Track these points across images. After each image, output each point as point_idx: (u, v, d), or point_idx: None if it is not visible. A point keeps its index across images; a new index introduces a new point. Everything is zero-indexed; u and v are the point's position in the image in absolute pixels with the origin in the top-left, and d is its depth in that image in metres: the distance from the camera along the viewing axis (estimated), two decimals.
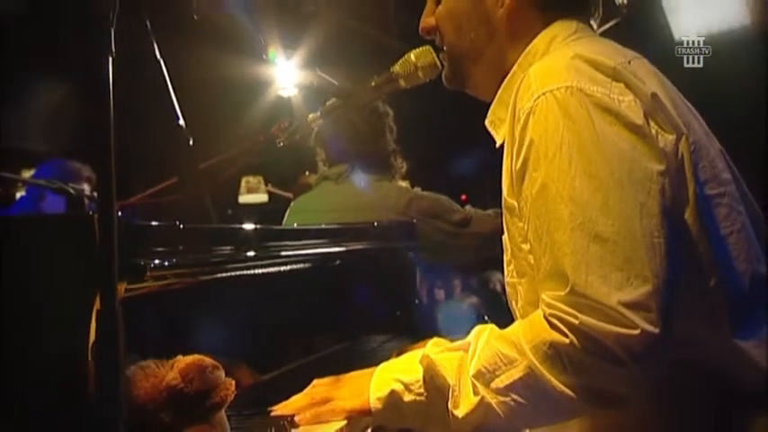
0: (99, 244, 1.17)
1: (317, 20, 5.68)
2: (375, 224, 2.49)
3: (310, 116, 1.99)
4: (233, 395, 1.36)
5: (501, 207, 1.57)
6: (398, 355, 1.85)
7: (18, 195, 3.45)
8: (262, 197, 5.87)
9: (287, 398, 1.66)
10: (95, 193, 2.52)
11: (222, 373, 1.36)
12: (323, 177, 3.15)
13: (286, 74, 5.40)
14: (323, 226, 2.33)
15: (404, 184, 3.27)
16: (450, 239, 3.01)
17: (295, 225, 2.90)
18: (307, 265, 2.08)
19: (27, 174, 3.40)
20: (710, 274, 1.41)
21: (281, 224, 3.14)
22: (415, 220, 2.78)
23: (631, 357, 1.26)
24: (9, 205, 3.20)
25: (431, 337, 1.63)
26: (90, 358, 1.20)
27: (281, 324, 1.98)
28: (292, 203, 3.30)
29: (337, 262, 2.27)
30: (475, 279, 5.36)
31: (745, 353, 1.41)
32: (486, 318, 2.91)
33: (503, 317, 1.66)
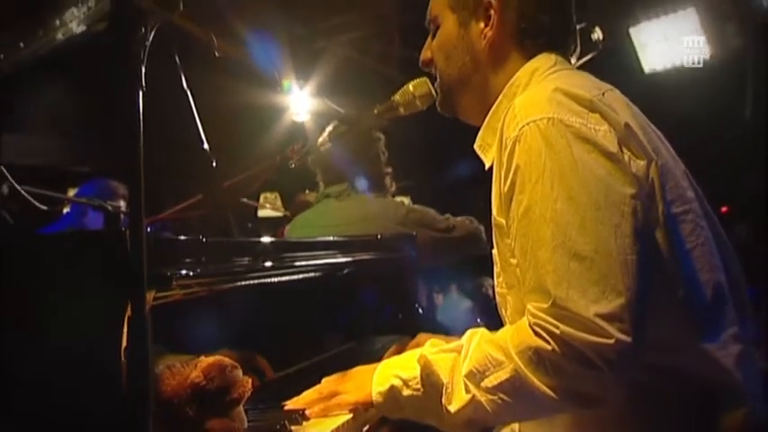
0: (130, 257, 1.17)
1: (327, 54, 5.72)
2: (378, 236, 2.48)
3: (319, 140, 1.99)
4: (250, 392, 1.35)
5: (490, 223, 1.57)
6: (396, 351, 1.85)
7: (64, 211, 3.45)
8: (279, 212, 5.85)
9: (300, 393, 1.66)
10: (123, 209, 2.54)
11: (240, 372, 1.36)
12: (324, 195, 3.15)
13: (299, 101, 5.43)
14: (332, 238, 2.32)
15: (405, 199, 3.28)
16: (438, 245, 3.03)
17: (304, 238, 2.89)
18: (317, 273, 2.07)
19: (72, 192, 3.40)
20: (678, 286, 1.40)
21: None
22: (414, 232, 2.78)
23: (606, 363, 1.26)
24: (57, 221, 3.19)
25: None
26: (123, 359, 1.19)
27: (294, 326, 1.97)
28: (294, 219, 3.29)
29: (345, 271, 2.26)
30: (469, 284, 5.34)
31: (711, 356, 1.40)
32: (478, 320, 2.90)
33: (494, 319, 1.65)
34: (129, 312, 1.18)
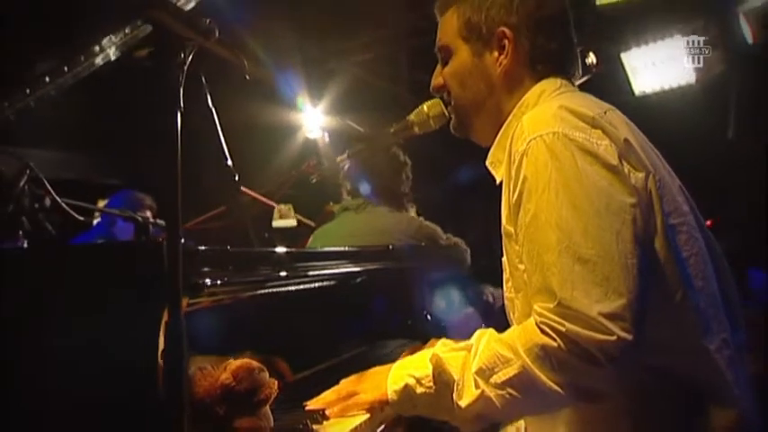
0: (167, 266, 1.18)
1: (338, 75, 5.73)
2: (390, 247, 2.49)
3: (339, 157, 1.99)
4: (276, 393, 1.35)
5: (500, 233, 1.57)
6: (410, 353, 1.85)
7: (95, 222, 3.45)
8: (291, 222, 5.84)
9: (318, 394, 1.65)
10: (157, 220, 2.55)
11: (267, 374, 1.36)
12: (343, 208, 3.17)
13: (313, 119, 5.43)
14: (347, 248, 2.32)
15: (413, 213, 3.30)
16: (445, 255, 3.05)
17: (322, 248, 2.89)
18: (333, 282, 2.07)
19: (101, 203, 3.41)
20: (676, 291, 1.41)
21: (303, 245, 3.15)
22: (423, 243, 2.79)
23: (608, 359, 1.26)
24: (87, 231, 3.20)
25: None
26: (160, 361, 1.19)
27: (311, 331, 1.97)
28: (317, 230, 3.31)
29: (359, 279, 2.26)
30: (471, 291, 5.32)
31: (705, 358, 1.41)
32: (482, 325, 2.89)
33: (494, 324, 1.65)
34: (165, 318, 1.18)
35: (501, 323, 1.61)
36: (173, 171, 1.20)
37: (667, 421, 1.41)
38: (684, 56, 4.92)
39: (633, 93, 5.13)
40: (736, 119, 6.28)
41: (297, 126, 5.45)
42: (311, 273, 1.97)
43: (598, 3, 4.87)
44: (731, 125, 6.29)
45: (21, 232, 1.92)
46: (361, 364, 2.08)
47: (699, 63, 4.91)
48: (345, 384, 1.62)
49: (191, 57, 1.22)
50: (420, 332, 2.44)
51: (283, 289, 1.81)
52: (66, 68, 1.79)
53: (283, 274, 1.78)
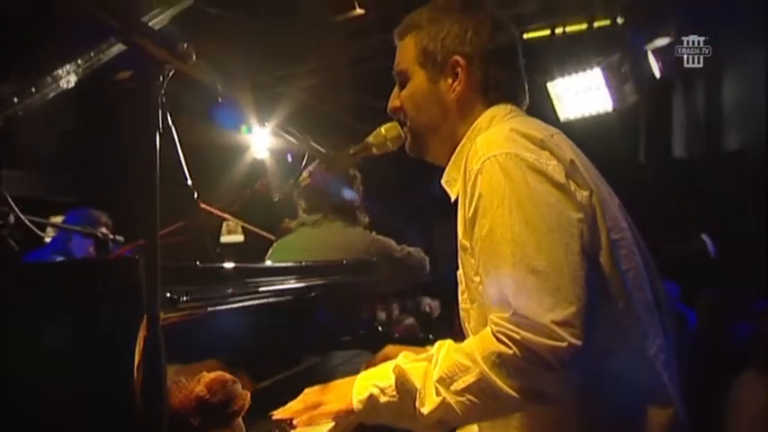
0: (146, 282, 1.14)
1: (285, 99, 5.70)
2: (344, 261, 2.47)
3: (303, 175, 1.97)
4: (248, 404, 1.32)
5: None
6: (367, 367, 1.83)
7: (47, 239, 3.30)
8: (239, 237, 5.73)
9: (280, 402, 1.62)
10: (112, 236, 2.47)
11: (240, 386, 1.32)
12: (301, 223, 3.14)
13: (260, 140, 5.36)
14: (304, 263, 2.29)
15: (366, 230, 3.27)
16: (398, 268, 3.04)
17: (282, 262, 2.85)
18: (291, 296, 2.04)
19: (56, 219, 3.27)
20: (618, 301, 1.44)
21: (259, 259, 3.10)
22: (374, 258, 2.78)
23: (560, 364, 1.28)
24: (42, 247, 3.06)
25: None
26: (136, 375, 1.15)
27: (271, 343, 1.93)
28: (275, 243, 3.26)
29: (315, 293, 2.23)
30: (410, 303, 5.35)
31: (644, 362, 1.44)
32: (421, 333, 2.90)
33: (433, 332, 1.66)
34: (143, 332, 1.14)
35: (439, 332, 1.61)
36: (151, 190, 1.16)
37: (611, 421, 1.44)
38: (602, 86, 5.10)
39: (558, 119, 5.29)
40: (646, 143, 6.55)
41: (245, 146, 5.37)
42: (271, 287, 1.93)
43: (525, 36, 5.02)
44: (642, 148, 6.55)
45: None
46: (317, 373, 2.06)
47: (615, 93, 5.11)
48: (311, 394, 1.59)
49: (167, 80, 1.19)
50: (372, 342, 2.43)
51: (245, 303, 1.76)
52: (33, 90, 1.72)
53: (248, 288, 1.74)
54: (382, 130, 1.82)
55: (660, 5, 5.14)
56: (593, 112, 5.36)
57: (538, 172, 1.39)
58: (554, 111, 5.29)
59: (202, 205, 2.41)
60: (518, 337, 1.29)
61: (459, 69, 1.63)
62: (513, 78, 1.68)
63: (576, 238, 1.34)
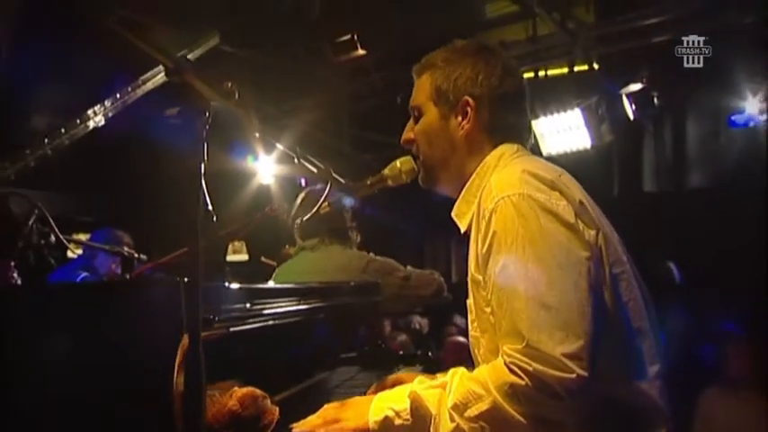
0: (188, 302, 1.12)
1: (289, 130, 5.72)
2: (351, 283, 2.45)
3: (324, 205, 1.96)
4: (277, 418, 1.29)
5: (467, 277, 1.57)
6: (378, 387, 1.81)
7: (70, 255, 3.26)
8: (244, 257, 5.71)
9: (294, 414, 1.59)
10: (137, 255, 2.44)
11: (269, 401, 1.30)
12: (300, 248, 3.10)
13: (266, 167, 5.37)
14: (314, 285, 2.27)
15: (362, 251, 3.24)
16: (397, 291, 3.00)
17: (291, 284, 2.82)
18: (301, 316, 2.01)
19: (83, 237, 3.23)
20: (620, 332, 1.43)
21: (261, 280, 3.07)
22: (373, 277, 2.75)
23: (569, 394, 1.27)
24: (67, 263, 3.02)
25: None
26: (176, 388, 1.13)
27: (283, 359, 1.91)
28: (278, 269, 3.22)
29: (324, 313, 2.21)
30: (401, 321, 5.32)
31: (642, 388, 1.43)
32: (417, 351, 2.87)
33: (423, 348, 1.64)
34: (183, 349, 1.12)
35: (428, 347, 1.59)
36: (195, 216, 1.15)
37: None
38: (581, 126, 5.16)
39: (542, 154, 5.33)
40: (619, 178, 6.62)
41: (253, 173, 5.38)
42: (284, 308, 1.91)
43: None
44: (615, 183, 6.63)
45: (12, 264, 1.82)
46: (323, 388, 2.04)
47: (593, 132, 5.17)
48: (329, 410, 1.56)
49: (211, 115, 1.19)
50: (375, 358, 2.41)
51: (264, 323, 1.74)
52: (63, 131, 1.74)
53: (263, 308, 1.72)
54: (397, 163, 1.82)
55: (633, 56, 5.24)
56: (573, 149, 5.41)
57: (549, 212, 1.39)
58: (538, 146, 5.34)
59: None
60: (530, 368, 1.28)
61: (469, 109, 1.63)
62: (519, 120, 1.69)
63: (584, 275, 1.34)
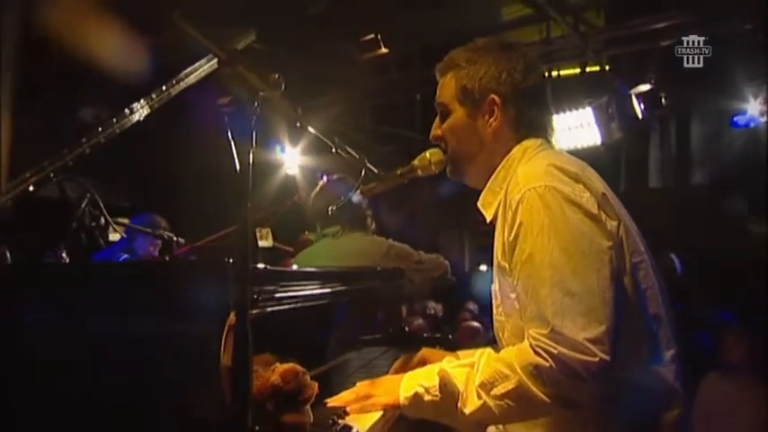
0: (238, 281, 1.12)
1: (313, 124, 5.72)
2: (378, 269, 2.45)
3: (355, 193, 1.95)
4: (316, 393, 1.30)
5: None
6: (403, 364, 1.80)
7: (112, 238, 3.27)
8: (268, 243, 5.72)
9: (326, 390, 1.58)
10: (176, 238, 2.45)
11: (308, 377, 1.30)
12: (322, 235, 3.09)
13: (292, 158, 5.38)
14: (344, 270, 2.26)
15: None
16: (413, 274, 2.99)
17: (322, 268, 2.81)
18: (330, 299, 2.01)
19: (124, 221, 3.25)
20: (639, 319, 1.43)
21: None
22: (394, 262, 2.74)
23: (591, 376, 1.27)
24: (109, 246, 3.03)
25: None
26: (223, 363, 1.13)
27: (314, 338, 1.91)
28: (299, 254, 3.21)
29: (350, 296, 2.21)
30: (418, 306, 5.32)
31: (659, 371, 1.43)
32: (436, 335, 2.87)
33: (438, 331, 1.64)
34: (230, 325, 1.12)
35: (443, 331, 1.59)
36: (244, 201, 1.15)
37: (627, 423, 1.43)
38: (592, 123, 5.12)
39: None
40: (626, 174, 6.57)
41: (279, 164, 5.40)
42: (316, 291, 1.91)
43: None
44: (623, 179, 6.58)
45: (62, 246, 1.84)
46: (350, 367, 2.04)
47: (603, 129, 5.12)
48: (362, 387, 1.58)
49: (260, 105, 1.18)
50: (398, 340, 2.41)
51: (299, 304, 1.74)
52: (114, 120, 1.76)
53: (299, 290, 1.72)
54: (427, 154, 1.80)
55: (641, 58, 5.19)
56: (584, 145, 5.36)
57: (573, 203, 1.38)
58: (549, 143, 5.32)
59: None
60: (554, 351, 1.28)
61: (496, 108, 1.62)
62: (542, 114, 1.67)
63: (606, 264, 1.34)
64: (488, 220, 1.63)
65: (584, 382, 1.27)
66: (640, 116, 5.13)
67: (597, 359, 1.25)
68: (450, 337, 2.45)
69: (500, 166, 1.63)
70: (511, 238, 1.42)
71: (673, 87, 5.26)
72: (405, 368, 1.73)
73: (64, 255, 1.80)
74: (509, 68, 1.63)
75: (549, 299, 1.31)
